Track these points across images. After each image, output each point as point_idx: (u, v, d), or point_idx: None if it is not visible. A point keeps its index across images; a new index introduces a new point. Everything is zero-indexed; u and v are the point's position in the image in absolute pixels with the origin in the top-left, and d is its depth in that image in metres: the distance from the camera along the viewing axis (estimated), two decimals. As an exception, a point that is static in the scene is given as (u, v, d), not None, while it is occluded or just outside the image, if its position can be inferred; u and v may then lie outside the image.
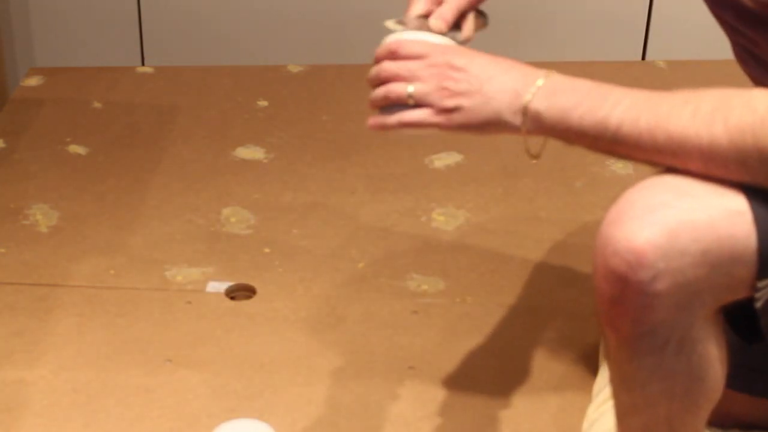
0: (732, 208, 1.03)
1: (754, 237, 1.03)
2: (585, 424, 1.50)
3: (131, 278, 1.87)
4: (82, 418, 1.55)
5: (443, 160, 2.26)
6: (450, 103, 1.17)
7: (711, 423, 1.48)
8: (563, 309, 1.79)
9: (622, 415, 1.16)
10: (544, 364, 1.67)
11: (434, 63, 1.19)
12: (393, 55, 1.21)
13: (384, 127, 1.22)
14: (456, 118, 1.17)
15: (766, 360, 1.41)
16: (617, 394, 1.15)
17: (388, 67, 1.20)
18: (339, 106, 2.45)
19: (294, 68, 2.65)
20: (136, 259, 1.92)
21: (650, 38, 2.76)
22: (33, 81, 2.61)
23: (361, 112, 2.44)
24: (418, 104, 1.19)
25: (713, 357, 1.10)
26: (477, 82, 1.17)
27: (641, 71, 2.69)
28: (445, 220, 2.05)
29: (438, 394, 1.60)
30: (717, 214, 1.03)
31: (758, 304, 1.06)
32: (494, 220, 2.06)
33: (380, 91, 1.21)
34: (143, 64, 2.75)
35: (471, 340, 1.72)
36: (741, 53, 1.29)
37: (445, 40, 1.25)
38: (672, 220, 1.02)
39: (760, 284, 1.04)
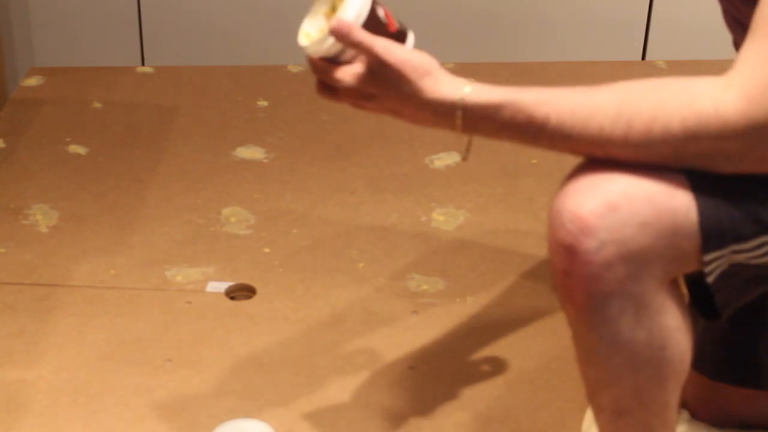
0: (672, 184, 1.06)
1: (694, 211, 1.06)
2: (585, 424, 1.50)
3: (131, 278, 1.87)
4: (82, 418, 1.55)
5: (443, 160, 2.26)
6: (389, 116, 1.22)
7: (710, 422, 1.48)
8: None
9: (592, 392, 1.19)
10: (544, 364, 1.67)
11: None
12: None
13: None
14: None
15: (753, 352, 1.42)
16: (584, 372, 1.17)
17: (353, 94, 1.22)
18: (339, 106, 2.44)
19: (294, 68, 2.65)
20: (136, 259, 1.93)
21: (650, 38, 2.76)
22: (33, 81, 2.61)
23: (361, 112, 2.44)
24: None
25: (673, 326, 1.12)
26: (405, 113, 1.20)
27: (641, 71, 2.69)
28: (445, 220, 2.06)
29: (438, 394, 1.60)
30: (656, 189, 1.06)
31: (710, 279, 1.09)
32: (494, 220, 2.06)
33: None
34: (143, 64, 2.75)
35: (471, 340, 1.72)
36: (729, 20, 1.30)
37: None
38: (612, 193, 1.05)
39: (706, 258, 1.07)
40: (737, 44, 1.31)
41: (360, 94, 1.21)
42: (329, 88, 1.23)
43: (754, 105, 1.01)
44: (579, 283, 1.07)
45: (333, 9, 1.26)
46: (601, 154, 1.08)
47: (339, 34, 1.18)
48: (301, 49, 1.24)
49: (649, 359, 1.12)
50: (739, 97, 1.02)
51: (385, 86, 1.18)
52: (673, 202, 1.06)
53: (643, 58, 2.78)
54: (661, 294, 1.10)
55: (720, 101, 1.03)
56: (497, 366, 1.67)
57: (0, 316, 1.77)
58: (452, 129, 1.17)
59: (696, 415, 1.49)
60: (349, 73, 1.19)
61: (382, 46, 1.18)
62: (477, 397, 1.60)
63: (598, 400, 1.18)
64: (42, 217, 2.05)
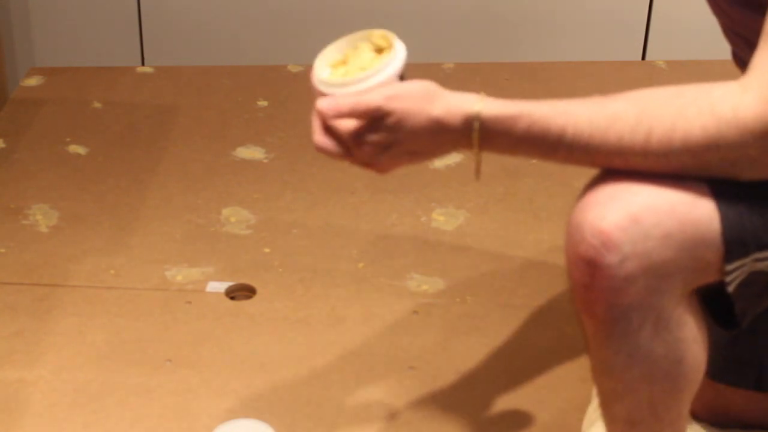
0: (693, 193, 1.06)
1: (717, 221, 1.05)
2: (585, 424, 1.50)
3: (131, 278, 1.87)
4: (82, 418, 1.55)
5: (443, 160, 2.26)
6: (403, 163, 1.19)
7: (711, 422, 1.48)
8: (563, 309, 1.79)
9: (606, 402, 1.18)
10: (544, 364, 1.67)
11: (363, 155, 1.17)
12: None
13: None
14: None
15: (754, 352, 1.42)
16: (599, 382, 1.17)
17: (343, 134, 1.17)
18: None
19: (294, 68, 2.65)
20: (136, 259, 1.92)
21: (650, 38, 2.76)
22: (33, 81, 2.61)
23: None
24: None
25: (690, 339, 1.12)
26: (415, 152, 1.17)
27: (641, 71, 2.69)
28: (445, 220, 2.05)
29: (438, 394, 1.60)
30: (678, 199, 1.05)
31: (730, 288, 1.08)
32: (494, 220, 2.06)
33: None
34: (143, 64, 2.75)
35: (471, 340, 1.72)
36: (728, 33, 1.30)
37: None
38: (634, 205, 1.04)
39: (729, 267, 1.07)
40: (736, 56, 1.31)
41: (375, 151, 1.16)
42: (331, 138, 1.17)
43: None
44: (600, 297, 1.06)
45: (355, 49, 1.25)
46: (621, 164, 1.07)
47: (327, 116, 1.14)
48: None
49: (667, 372, 1.11)
50: (758, 101, 1.01)
51: (397, 130, 1.14)
52: (695, 212, 1.05)
53: (643, 58, 2.78)
54: (680, 307, 1.09)
55: (739, 106, 1.02)
56: (497, 366, 1.67)
57: (0, 316, 1.77)
58: (469, 147, 1.14)
59: (697, 416, 1.49)
60: (362, 138, 1.15)
61: (379, 98, 1.13)
62: (477, 396, 1.60)
63: (612, 411, 1.17)
64: (42, 217, 2.05)
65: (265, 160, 2.27)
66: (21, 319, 1.76)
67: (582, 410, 1.54)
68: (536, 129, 1.10)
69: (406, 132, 1.14)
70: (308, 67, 1.23)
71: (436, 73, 2.58)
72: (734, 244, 1.05)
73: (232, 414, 1.55)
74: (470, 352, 1.70)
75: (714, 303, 1.12)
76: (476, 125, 1.13)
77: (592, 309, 1.08)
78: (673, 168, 1.05)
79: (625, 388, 1.13)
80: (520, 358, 1.68)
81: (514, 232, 2.02)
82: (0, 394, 1.59)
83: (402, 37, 1.24)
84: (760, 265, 1.08)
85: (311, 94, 1.24)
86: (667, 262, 1.05)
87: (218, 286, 1.85)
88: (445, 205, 2.10)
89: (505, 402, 1.59)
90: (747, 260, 1.07)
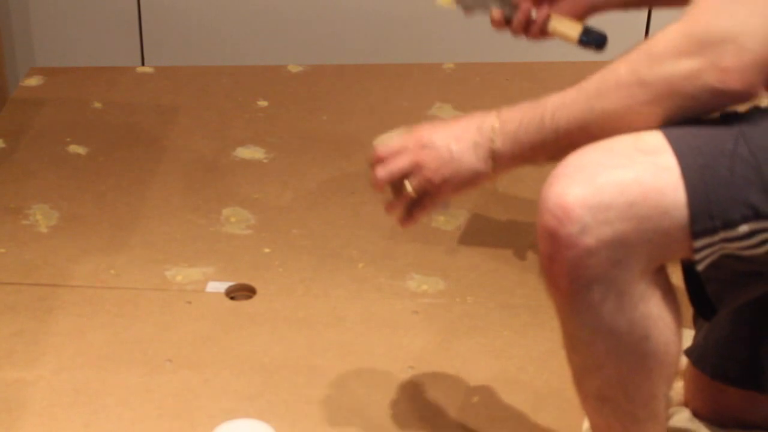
0: (659, 165, 1.07)
1: (682, 192, 1.06)
2: (585, 424, 1.51)
3: (131, 278, 1.87)
4: (82, 418, 1.55)
5: (443, 160, 2.26)
6: (438, 179, 1.25)
7: (711, 422, 1.48)
8: (563, 309, 1.79)
9: (578, 380, 1.20)
10: (543, 364, 1.67)
11: (407, 149, 1.28)
12: (379, 160, 1.31)
13: (413, 222, 1.32)
14: (446, 190, 1.26)
15: (753, 352, 1.42)
16: (570, 359, 1.19)
17: (382, 173, 1.30)
18: (339, 106, 2.45)
19: (294, 68, 2.65)
20: (136, 259, 1.93)
21: (650, 38, 2.76)
22: (33, 81, 2.61)
23: (360, 112, 2.43)
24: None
25: (656, 315, 1.12)
26: (445, 150, 1.24)
27: (641, 71, 2.69)
28: (445, 220, 2.05)
29: (438, 394, 1.60)
30: (643, 170, 1.07)
31: (700, 267, 1.09)
32: (494, 220, 2.06)
33: (393, 200, 1.32)
34: (143, 64, 2.75)
35: (471, 340, 1.72)
36: None
37: None
38: (599, 176, 1.07)
39: (697, 244, 1.07)
40: None
41: (420, 143, 1.27)
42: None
43: (691, 21, 1.12)
44: (562, 268, 1.08)
45: None
46: (610, 116, 1.12)
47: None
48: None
49: (632, 348, 1.12)
50: (681, 20, 1.14)
51: (420, 140, 1.25)
52: (660, 183, 1.06)
53: (643, 58, 2.78)
54: (644, 281, 1.10)
55: (668, 29, 1.15)
56: (497, 366, 1.67)
57: (0, 316, 1.77)
58: (490, 152, 1.20)
59: (697, 414, 1.49)
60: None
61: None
62: (477, 396, 1.60)
63: (583, 387, 1.19)
64: (42, 217, 2.05)
65: (265, 160, 2.27)
66: (21, 319, 1.76)
67: (582, 410, 1.54)
68: (534, 106, 1.18)
69: (427, 135, 1.25)
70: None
71: (436, 73, 2.58)
72: (700, 218, 1.06)
73: (232, 414, 1.55)
74: (470, 352, 1.70)
75: (692, 287, 1.13)
76: (495, 114, 1.21)
77: (556, 281, 1.10)
78: (648, 96, 1.10)
79: (593, 364, 1.15)
80: (520, 358, 1.68)
81: (514, 232, 2.02)
82: (0, 394, 1.59)
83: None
84: (731, 247, 1.08)
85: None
86: (630, 233, 1.06)
87: (218, 286, 1.85)
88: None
89: (504, 402, 1.59)
90: (715, 238, 1.07)
